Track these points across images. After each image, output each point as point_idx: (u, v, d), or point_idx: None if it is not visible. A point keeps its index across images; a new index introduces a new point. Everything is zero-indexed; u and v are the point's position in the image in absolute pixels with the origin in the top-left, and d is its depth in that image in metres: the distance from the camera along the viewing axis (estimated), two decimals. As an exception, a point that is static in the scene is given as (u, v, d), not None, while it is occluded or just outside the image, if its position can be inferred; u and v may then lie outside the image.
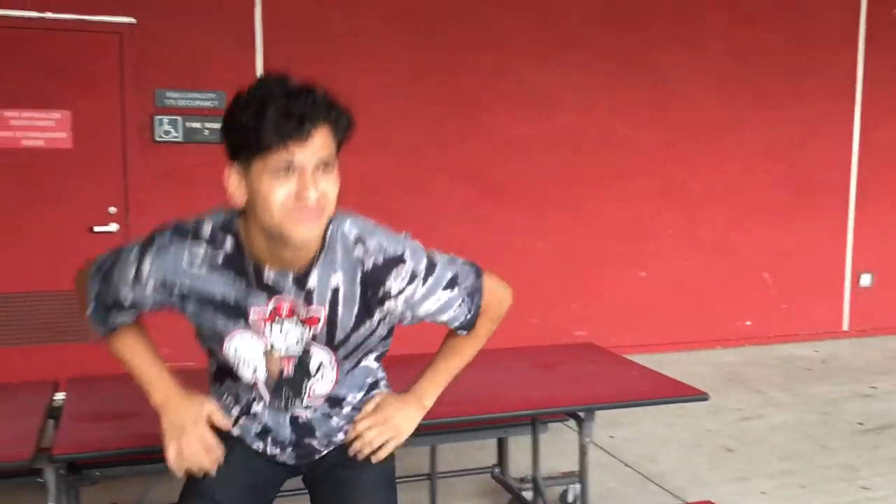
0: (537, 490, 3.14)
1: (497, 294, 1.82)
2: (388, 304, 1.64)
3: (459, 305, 1.73)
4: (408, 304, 1.66)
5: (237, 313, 1.59)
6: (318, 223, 1.51)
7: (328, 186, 1.50)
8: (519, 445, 3.50)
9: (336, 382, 1.72)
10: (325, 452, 1.82)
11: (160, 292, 1.60)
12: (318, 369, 1.68)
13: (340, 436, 1.81)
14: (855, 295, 6.67)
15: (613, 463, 3.97)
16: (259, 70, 5.01)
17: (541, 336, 5.69)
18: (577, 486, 3.18)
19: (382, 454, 1.76)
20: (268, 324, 1.61)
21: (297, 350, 1.64)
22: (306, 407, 1.73)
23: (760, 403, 4.94)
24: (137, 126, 4.79)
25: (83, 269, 1.78)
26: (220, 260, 1.57)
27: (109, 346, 1.74)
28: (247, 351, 1.63)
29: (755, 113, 6.19)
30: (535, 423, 3.10)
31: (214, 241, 1.57)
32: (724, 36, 6.04)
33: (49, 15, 4.58)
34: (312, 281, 1.58)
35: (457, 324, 1.76)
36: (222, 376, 1.79)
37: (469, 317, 1.76)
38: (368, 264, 1.60)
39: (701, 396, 2.75)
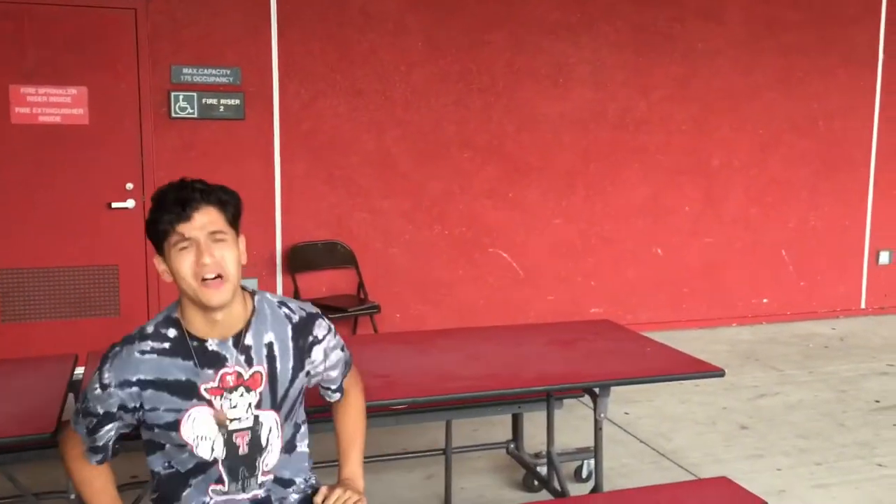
0: (552, 465, 3.15)
1: (355, 373, 2.15)
2: (315, 352, 1.93)
3: (343, 367, 2.05)
4: (325, 354, 1.96)
5: (189, 391, 1.80)
6: (226, 287, 1.77)
7: (224, 253, 1.76)
8: (534, 421, 3.51)
9: (281, 452, 1.90)
10: None
11: (122, 390, 1.78)
12: (267, 440, 1.87)
13: None
14: (873, 272, 6.62)
15: (628, 439, 3.98)
16: (275, 47, 5.00)
17: (557, 313, 5.72)
18: (592, 461, 3.20)
19: None
20: (217, 397, 1.81)
21: (248, 421, 1.84)
22: (261, 485, 1.89)
23: (777, 381, 4.93)
24: (153, 102, 4.80)
25: (63, 436, 1.97)
26: (166, 347, 1.80)
27: (78, 483, 1.92)
28: (203, 427, 1.81)
29: (777, 89, 6.12)
30: (550, 399, 3.11)
31: (158, 335, 1.82)
32: (747, 11, 5.96)
33: (65, -9, 4.59)
34: (249, 339, 1.84)
35: (338, 384, 2.05)
36: (174, 489, 1.88)
37: (344, 381, 2.07)
38: (295, 319, 1.92)
39: (716, 373, 2.74)
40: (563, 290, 5.82)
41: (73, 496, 2.26)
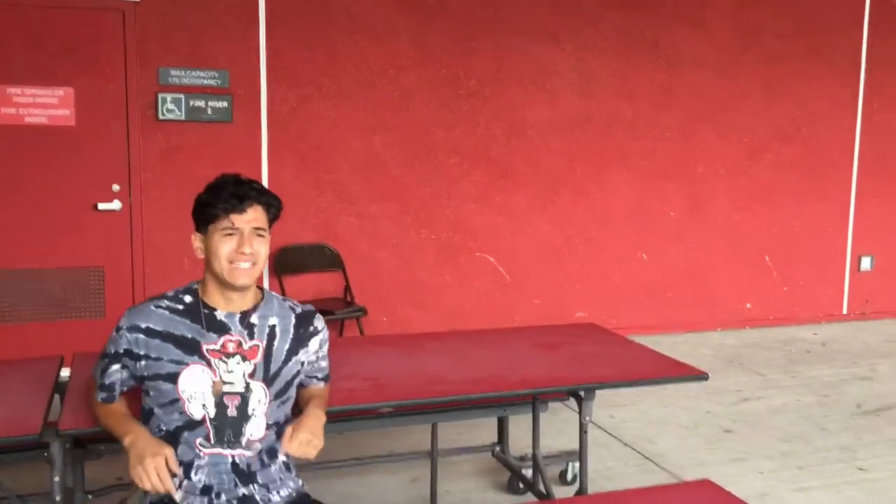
0: (537, 468, 3.17)
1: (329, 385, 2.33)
2: (312, 342, 2.16)
3: (328, 363, 2.27)
4: (320, 345, 2.19)
5: (193, 348, 2.00)
6: (252, 273, 2.04)
7: (260, 247, 2.06)
8: (519, 424, 3.53)
9: (267, 428, 2.05)
10: None
11: (131, 333, 2.01)
12: (254, 410, 2.03)
13: (277, 496, 2.04)
14: (855, 278, 6.69)
15: (613, 442, 4.00)
16: (263, 50, 5.00)
17: (543, 317, 5.74)
18: (577, 464, 3.22)
19: (312, 455, 2.01)
20: (216, 359, 2.01)
21: (240, 386, 2.02)
22: (246, 447, 2.02)
23: (760, 385, 4.97)
24: (140, 104, 4.79)
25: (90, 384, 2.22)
26: (180, 308, 2.05)
27: (98, 417, 2.11)
28: (198, 384, 1.99)
29: (761, 96, 6.18)
30: (535, 402, 3.13)
31: (175, 299, 2.07)
32: (732, 18, 6.02)
33: (52, -8, 4.58)
34: (254, 318, 2.08)
35: (326, 373, 2.26)
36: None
37: (328, 372, 2.29)
38: (298, 311, 2.18)
39: (700, 376, 2.77)
40: (549, 294, 5.84)
41: (58, 497, 2.26)
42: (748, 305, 6.40)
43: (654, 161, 5.99)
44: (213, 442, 2.00)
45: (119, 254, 4.83)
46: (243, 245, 2.01)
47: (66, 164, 4.71)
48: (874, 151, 6.55)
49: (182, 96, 4.85)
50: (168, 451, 1.93)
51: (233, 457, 2.01)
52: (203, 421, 1.99)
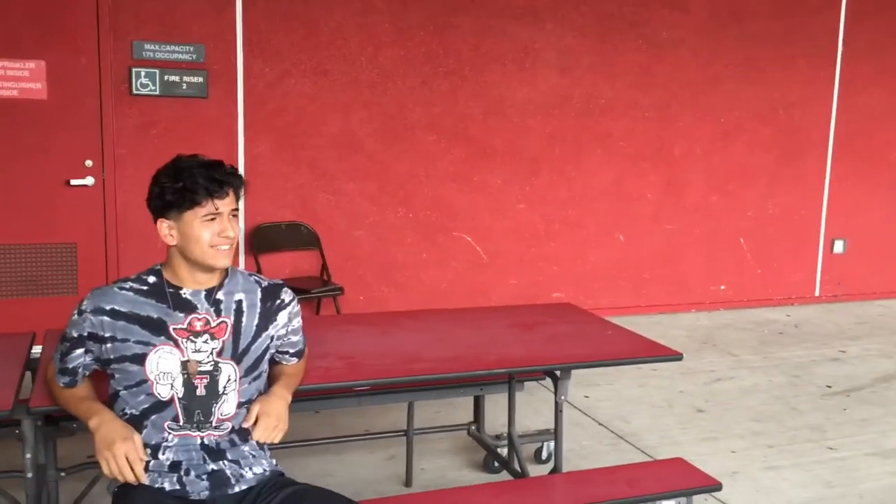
0: (512, 447, 3.19)
1: (305, 360, 2.35)
2: (280, 316, 2.14)
3: (302, 335, 2.26)
4: (289, 317, 2.17)
5: (159, 328, 1.98)
6: (231, 254, 2.04)
7: (236, 228, 2.05)
8: (495, 403, 3.55)
9: (238, 406, 2.03)
10: (238, 490, 2.01)
11: (95, 316, 1.98)
12: (224, 388, 2.01)
13: (250, 473, 2.04)
14: (827, 261, 6.77)
15: (587, 422, 4.03)
16: (240, 24, 4.93)
17: (520, 297, 5.76)
18: (552, 443, 3.25)
19: (276, 440, 2.04)
20: (184, 339, 1.99)
21: (208, 365, 2.00)
22: (215, 428, 2.01)
23: (733, 366, 5.03)
24: (114, 78, 4.72)
25: (49, 367, 2.19)
26: (144, 289, 2.02)
27: (60, 401, 2.09)
28: (167, 365, 1.97)
29: (739, 77, 6.20)
30: (511, 382, 3.14)
31: (139, 280, 2.05)
32: (710, 0, 6.02)
33: (23, -39, 4.47)
34: (220, 295, 2.06)
35: (298, 348, 2.25)
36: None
37: (302, 347, 2.28)
38: (264, 284, 2.16)
39: (674, 356, 2.79)
40: (526, 274, 5.86)
41: (29, 475, 2.24)
42: (722, 287, 6.46)
43: (632, 142, 6.00)
44: (182, 422, 1.98)
45: (92, 230, 4.77)
46: (226, 229, 1.99)
47: (38, 139, 4.63)
48: (849, 134, 6.61)
49: (156, 71, 4.78)
50: (137, 437, 1.92)
51: (202, 437, 2.00)
52: (171, 401, 1.97)
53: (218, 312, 2.04)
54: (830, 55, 6.44)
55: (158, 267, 2.07)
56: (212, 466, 2.00)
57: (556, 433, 2.94)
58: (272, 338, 2.14)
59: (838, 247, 6.76)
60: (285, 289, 2.19)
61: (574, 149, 5.86)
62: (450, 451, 3.59)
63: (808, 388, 4.63)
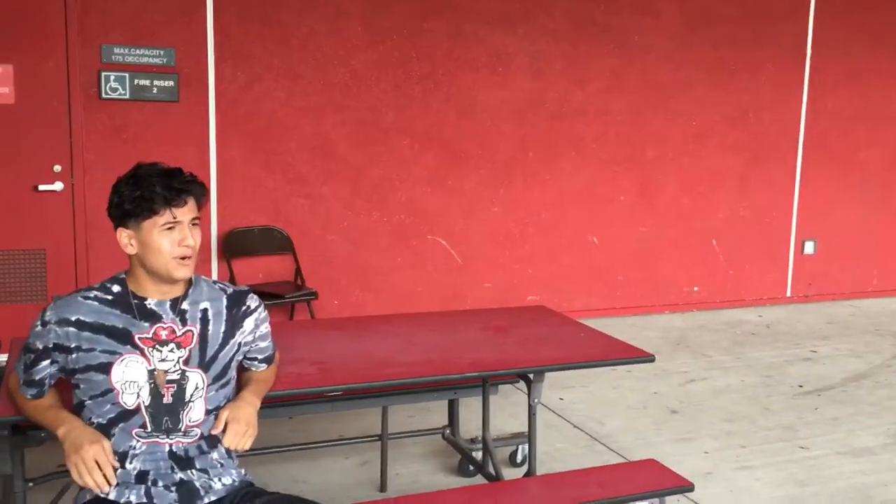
0: (487, 450, 3.18)
1: (276, 364, 2.35)
2: (247, 322, 2.12)
3: (271, 341, 2.26)
4: (255, 324, 2.15)
5: (125, 337, 1.96)
6: (193, 264, 2.02)
7: (197, 237, 2.01)
8: (469, 407, 3.55)
9: (206, 413, 2.02)
10: (207, 502, 1.99)
11: (60, 327, 1.95)
12: (192, 396, 2.00)
13: (219, 484, 2.02)
14: (798, 262, 6.84)
15: (562, 424, 4.04)
16: (211, 28, 4.89)
17: (495, 300, 5.77)
18: (526, 446, 3.25)
19: (246, 446, 2.04)
20: (150, 348, 1.97)
21: (175, 374, 1.99)
22: (184, 434, 1.99)
23: (706, 367, 5.07)
24: (83, 82, 4.66)
25: (10, 378, 2.18)
26: (108, 299, 2.00)
27: (26, 412, 2.06)
28: (133, 373, 1.95)
29: (709, 80, 6.25)
30: (485, 385, 3.14)
31: (103, 289, 2.02)
32: (681, 5, 6.07)
33: (-11, -36, 4.41)
34: (185, 305, 2.04)
35: (267, 354, 2.24)
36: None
37: (271, 353, 2.27)
38: (229, 291, 2.14)
39: (647, 358, 2.80)
40: (500, 277, 5.87)
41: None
42: (695, 289, 6.51)
43: (604, 145, 6.03)
44: (150, 429, 1.96)
45: (61, 236, 4.71)
46: (186, 238, 1.97)
47: (5, 144, 4.56)
48: (818, 137, 6.69)
49: (126, 75, 4.73)
50: (106, 442, 1.91)
51: (170, 444, 1.98)
52: (138, 409, 1.96)
53: (184, 322, 2.02)
54: (799, 58, 6.52)
55: (122, 276, 2.04)
56: (180, 476, 1.97)
57: (529, 436, 2.94)
58: (239, 344, 2.12)
59: (809, 248, 6.84)
60: (251, 295, 2.17)
61: (547, 152, 5.88)
62: (424, 456, 3.59)
63: (780, 388, 4.68)
